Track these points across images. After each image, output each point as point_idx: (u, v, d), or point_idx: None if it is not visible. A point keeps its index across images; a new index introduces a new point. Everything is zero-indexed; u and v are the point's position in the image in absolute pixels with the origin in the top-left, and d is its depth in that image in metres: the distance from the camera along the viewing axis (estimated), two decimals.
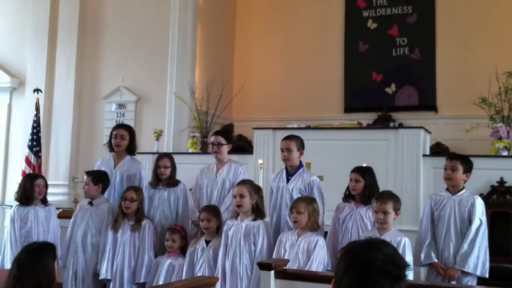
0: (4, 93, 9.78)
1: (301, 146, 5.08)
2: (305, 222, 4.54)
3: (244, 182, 4.95)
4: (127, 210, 5.24)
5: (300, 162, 5.13)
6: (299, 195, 4.90)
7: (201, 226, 5.01)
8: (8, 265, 5.50)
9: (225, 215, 5.13)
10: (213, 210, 5.07)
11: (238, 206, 4.77)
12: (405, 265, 1.76)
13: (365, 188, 4.78)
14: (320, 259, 4.45)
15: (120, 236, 5.24)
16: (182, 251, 5.14)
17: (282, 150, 5.08)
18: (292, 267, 4.32)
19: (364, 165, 5.07)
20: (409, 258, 4.25)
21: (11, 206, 6.04)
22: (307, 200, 4.65)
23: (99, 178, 5.50)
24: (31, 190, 5.68)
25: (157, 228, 5.36)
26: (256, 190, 4.87)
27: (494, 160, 6.46)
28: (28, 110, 9.14)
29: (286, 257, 4.44)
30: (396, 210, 4.39)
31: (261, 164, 6.07)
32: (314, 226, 4.60)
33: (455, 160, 4.75)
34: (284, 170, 5.14)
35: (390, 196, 4.43)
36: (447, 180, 4.76)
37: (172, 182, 5.49)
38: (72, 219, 5.54)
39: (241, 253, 4.69)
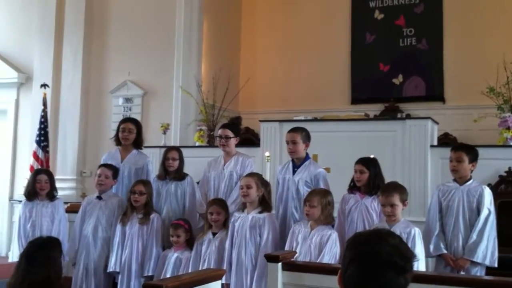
0: (11, 88, 9.83)
1: (306, 138, 5.06)
2: (317, 215, 4.51)
3: (252, 174, 4.96)
4: (136, 203, 5.25)
5: (307, 154, 5.12)
6: (305, 187, 4.90)
7: (210, 219, 5.02)
8: (16, 259, 5.55)
9: (232, 208, 5.13)
10: (221, 203, 5.09)
11: (244, 196, 4.77)
12: (411, 256, 1.75)
13: (370, 179, 4.76)
14: (332, 254, 4.40)
15: (129, 229, 5.25)
16: (188, 244, 5.15)
17: (288, 143, 5.06)
18: (304, 260, 4.30)
19: (372, 156, 5.04)
20: (419, 248, 4.23)
21: (20, 201, 6.07)
22: (321, 193, 4.60)
23: (117, 174, 5.52)
24: (33, 186, 5.70)
25: (164, 221, 5.37)
26: (263, 183, 4.87)
27: (502, 150, 6.42)
28: (35, 105, 9.18)
29: (298, 250, 4.42)
30: (403, 201, 4.35)
31: (268, 156, 6.06)
32: (327, 220, 4.56)
33: (459, 151, 4.71)
34: (291, 162, 5.13)
35: (395, 188, 4.39)
36: (453, 172, 4.73)
37: (180, 175, 5.49)
38: (79, 213, 5.53)
39: (247, 245, 4.70)
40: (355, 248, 1.77)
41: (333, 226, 4.75)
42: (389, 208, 4.30)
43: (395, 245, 1.74)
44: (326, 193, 4.65)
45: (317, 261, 4.35)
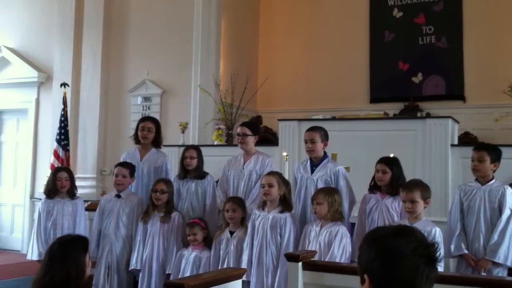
0: (31, 88, 9.95)
1: (325, 137, 5.04)
2: (324, 213, 4.53)
3: (273, 173, 4.96)
4: (158, 201, 5.28)
5: (325, 153, 5.10)
6: (325, 186, 4.87)
7: (226, 217, 5.02)
8: (34, 257, 5.59)
9: (252, 207, 5.12)
10: (238, 201, 5.08)
11: (266, 194, 4.76)
12: (437, 249, 1.74)
13: (392, 179, 4.72)
14: (342, 248, 4.42)
15: (150, 228, 5.28)
16: (206, 243, 5.16)
17: (306, 142, 5.05)
18: (319, 259, 4.30)
19: (391, 155, 5.01)
20: (440, 248, 4.18)
21: (40, 199, 6.13)
22: (327, 191, 4.62)
23: (134, 171, 5.55)
24: (53, 184, 5.73)
25: (185, 220, 5.36)
26: (284, 182, 4.87)
27: None
28: (55, 104, 9.29)
29: (310, 248, 4.42)
30: (425, 198, 4.30)
31: (286, 155, 6.05)
32: (335, 216, 4.56)
33: (481, 150, 4.66)
34: (309, 161, 5.11)
35: (417, 185, 4.36)
36: (474, 172, 4.68)
37: (200, 174, 5.50)
38: (97, 212, 5.56)
39: (268, 245, 4.70)
40: (380, 243, 1.74)
41: (353, 225, 4.73)
42: (409, 204, 4.27)
43: (421, 239, 1.74)
44: (332, 190, 4.67)
45: (327, 257, 4.37)
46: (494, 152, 4.65)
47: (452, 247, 4.62)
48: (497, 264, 4.50)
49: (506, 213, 4.53)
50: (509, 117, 6.87)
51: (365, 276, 1.74)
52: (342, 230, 4.50)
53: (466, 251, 4.60)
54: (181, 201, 5.49)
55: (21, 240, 9.68)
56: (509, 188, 4.68)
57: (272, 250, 4.69)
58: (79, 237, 3.18)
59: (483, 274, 4.47)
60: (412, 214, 4.30)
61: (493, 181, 4.66)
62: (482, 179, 4.67)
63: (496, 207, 4.57)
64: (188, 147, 5.69)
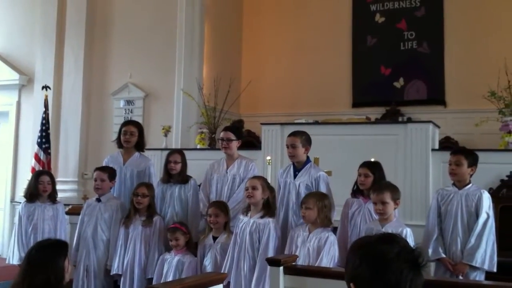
0: (13, 90, 9.87)
1: (306, 142, 5.04)
2: (313, 218, 4.50)
3: (257, 176, 4.97)
4: (139, 205, 5.26)
5: (308, 157, 5.11)
6: (306, 191, 4.89)
7: (209, 222, 5.02)
8: (14, 261, 5.55)
9: (235, 211, 5.12)
10: (221, 206, 5.07)
11: (249, 197, 4.75)
12: (420, 254, 1.76)
13: (374, 183, 4.74)
14: (330, 256, 4.39)
15: (131, 232, 5.26)
16: (189, 247, 5.15)
17: (288, 147, 5.06)
18: (303, 264, 4.29)
19: (373, 159, 5.05)
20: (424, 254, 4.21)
21: (21, 202, 6.07)
22: (318, 196, 4.60)
23: (114, 175, 5.52)
24: (35, 187, 5.68)
25: (168, 224, 5.34)
26: (269, 187, 4.86)
27: (503, 154, 6.42)
28: (37, 107, 9.21)
29: (297, 254, 4.40)
30: (395, 199, 4.36)
31: (269, 159, 6.06)
32: (324, 222, 4.53)
33: (459, 154, 4.70)
34: (292, 166, 5.12)
35: (387, 186, 4.41)
36: (451, 175, 4.72)
37: (183, 178, 5.48)
38: (80, 217, 5.53)
39: (246, 250, 4.69)
40: (365, 249, 1.77)
41: (334, 230, 4.75)
42: (380, 205, 4.31)
43: (405, 245, 1.77)
44: (322, 196, 4.64)
45: (316, 264, 4.33)
46: (471, 156, 4.70)
47: (430, 251, 4.65)
48: (474, 268, 4.53)
49: (483, 217, 4.56)
50: (489, 122, 6.92)
51: (351, 285, 1.76)
52: (331, 238, 4.46)
53: (443, 255, 4.63)
54: (165, 206, 5.48)
55: (1, 244, 9.58)
56: (485, 192, 4.72)
57: (250, 255, 4.67)
58: (58, 242, 3.15)
59: (461, 278, 4.51)
60: (383, 215, 4.34)
61: (470, 185, 4.70)
62: (459, 183, 4.70)
63: (473, 211, 4.60)
64: (172, 152, 5.67)
